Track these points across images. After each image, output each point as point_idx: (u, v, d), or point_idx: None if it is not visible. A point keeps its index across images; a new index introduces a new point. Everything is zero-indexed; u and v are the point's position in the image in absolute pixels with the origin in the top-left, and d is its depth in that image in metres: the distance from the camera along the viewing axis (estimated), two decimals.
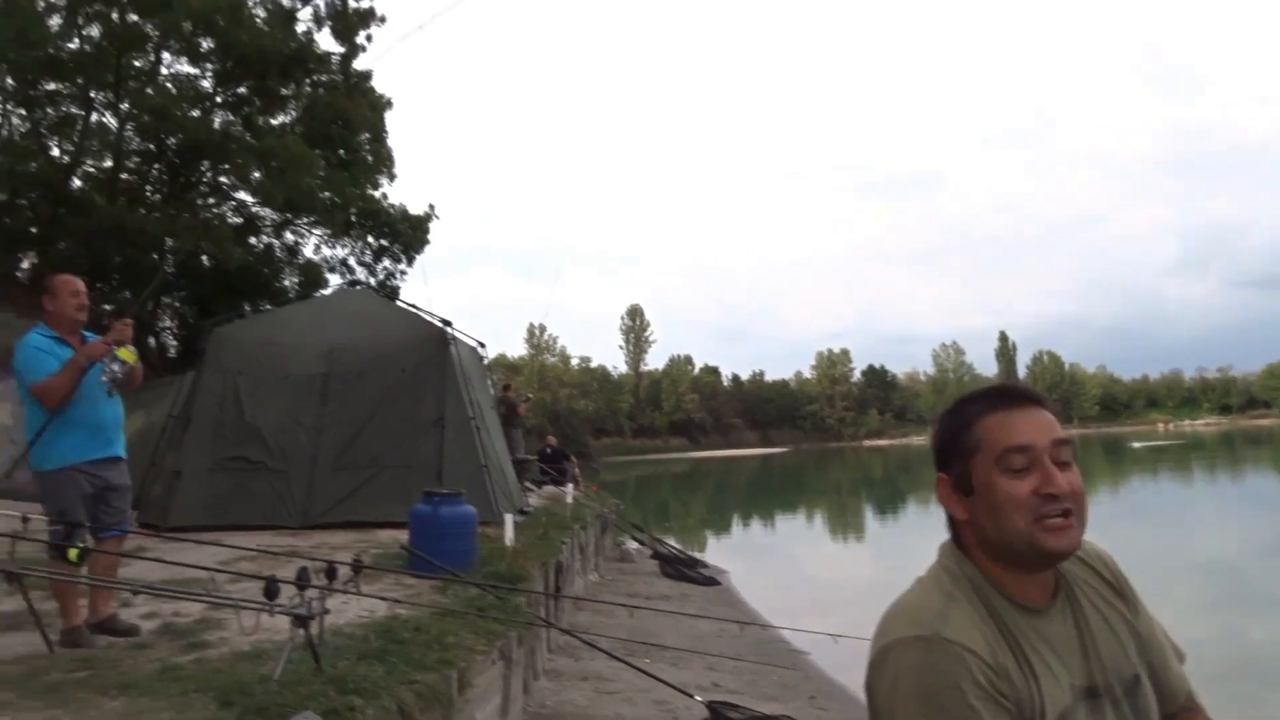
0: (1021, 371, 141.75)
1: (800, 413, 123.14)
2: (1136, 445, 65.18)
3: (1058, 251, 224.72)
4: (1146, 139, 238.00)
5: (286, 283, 21.45)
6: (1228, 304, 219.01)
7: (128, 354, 4.74)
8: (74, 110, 19.73)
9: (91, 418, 4.70)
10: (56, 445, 4.64)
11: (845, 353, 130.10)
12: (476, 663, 4.76)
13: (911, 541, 19.19)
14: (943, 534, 1.45)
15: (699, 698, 5.66)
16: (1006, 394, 1.40)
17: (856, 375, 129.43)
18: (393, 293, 20.54)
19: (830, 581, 15.44)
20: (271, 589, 3.78)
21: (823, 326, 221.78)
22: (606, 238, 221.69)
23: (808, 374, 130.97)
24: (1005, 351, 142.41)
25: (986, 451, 1.34)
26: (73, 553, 4.19)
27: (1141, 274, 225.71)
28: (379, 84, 22.48)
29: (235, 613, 4.18)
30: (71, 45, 18.95)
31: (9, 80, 18.02)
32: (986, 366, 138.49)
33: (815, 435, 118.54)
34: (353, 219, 21.70)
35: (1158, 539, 17.78)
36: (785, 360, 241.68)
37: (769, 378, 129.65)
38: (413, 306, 11.37)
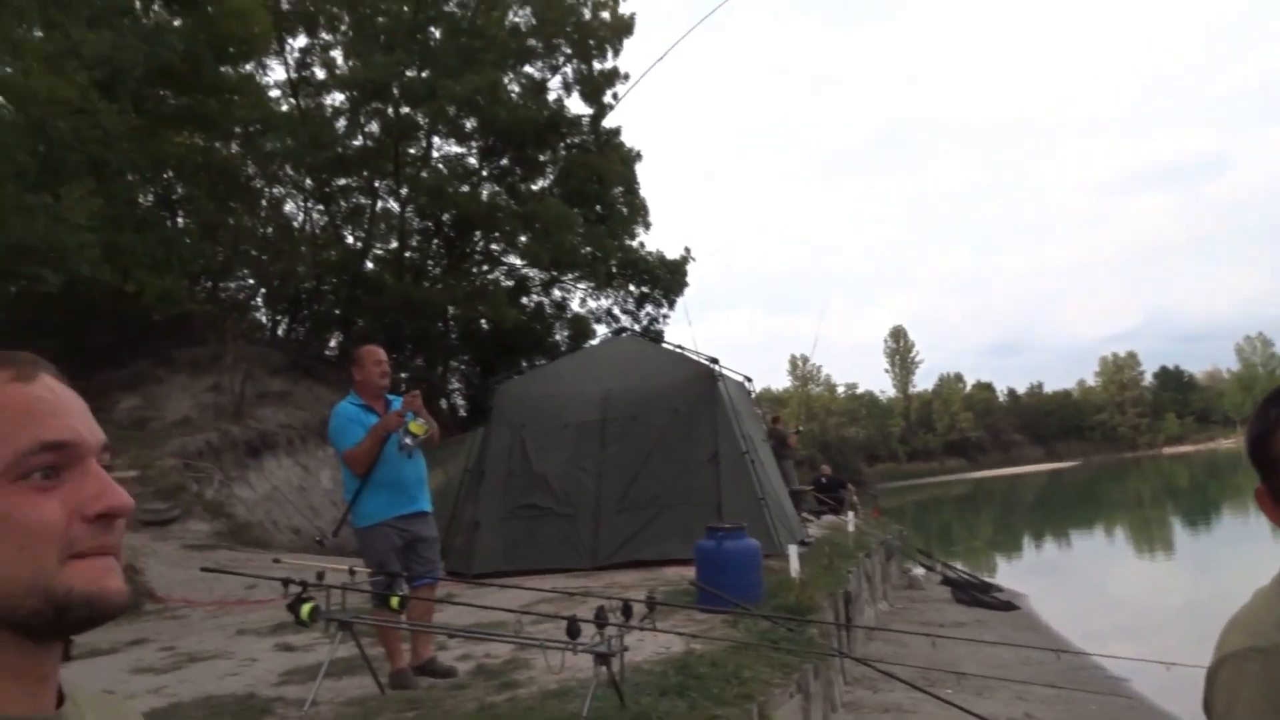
0: None
1: (1087, 423, 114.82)
2: None
3: None
4: None
5: (557, 336, 22.58)
6: None
7: (418, 427, 5.09)
8: (362, 200, 21.84)
9: (395, 478, 5.10)
10: (368, 504, 5.08)
11: (1132, 355, 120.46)
12: (775, 696, 4.75)
13: (1230, 554, 17.42)
14: (1269, 544, 1.31)
15: None
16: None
17: (1147, 379, 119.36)
18: (657, 336, 21.11)
19: (1142, 602, 14.22)
20: (574, 628, 3.96)
21: (1102, 331, 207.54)
22: (861, 263, 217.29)
23: (1091, 382, 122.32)
24: None
25: None
26: (394, 600, 4.56)
27: None
28: (627, 138, 23.38)
29: (542, 652, 4.40)
30: (355, 142, 21.04)
31: (308, 180, 20.15)
32: None
33: (1106, 446, 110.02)
34: (613, 270, 22.56)
35: None
36: (1064, 370, 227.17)
37: (1048, 389, 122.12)
38: (679, 347, 11.65)
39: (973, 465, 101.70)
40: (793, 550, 7.82)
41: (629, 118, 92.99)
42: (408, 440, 5.06)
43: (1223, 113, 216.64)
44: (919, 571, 15.66)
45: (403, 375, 19.93)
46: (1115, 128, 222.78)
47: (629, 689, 4.41)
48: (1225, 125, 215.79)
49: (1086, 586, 17.16)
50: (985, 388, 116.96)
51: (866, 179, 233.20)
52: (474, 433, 12.69)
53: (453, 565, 9.67)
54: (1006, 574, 18.52)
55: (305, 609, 4.23)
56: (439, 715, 4.24)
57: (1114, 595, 15.88)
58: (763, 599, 6.65)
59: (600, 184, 22.19)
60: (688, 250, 23.53)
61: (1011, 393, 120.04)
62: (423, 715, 4.27)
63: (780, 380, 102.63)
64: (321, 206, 21.82)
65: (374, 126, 21.46)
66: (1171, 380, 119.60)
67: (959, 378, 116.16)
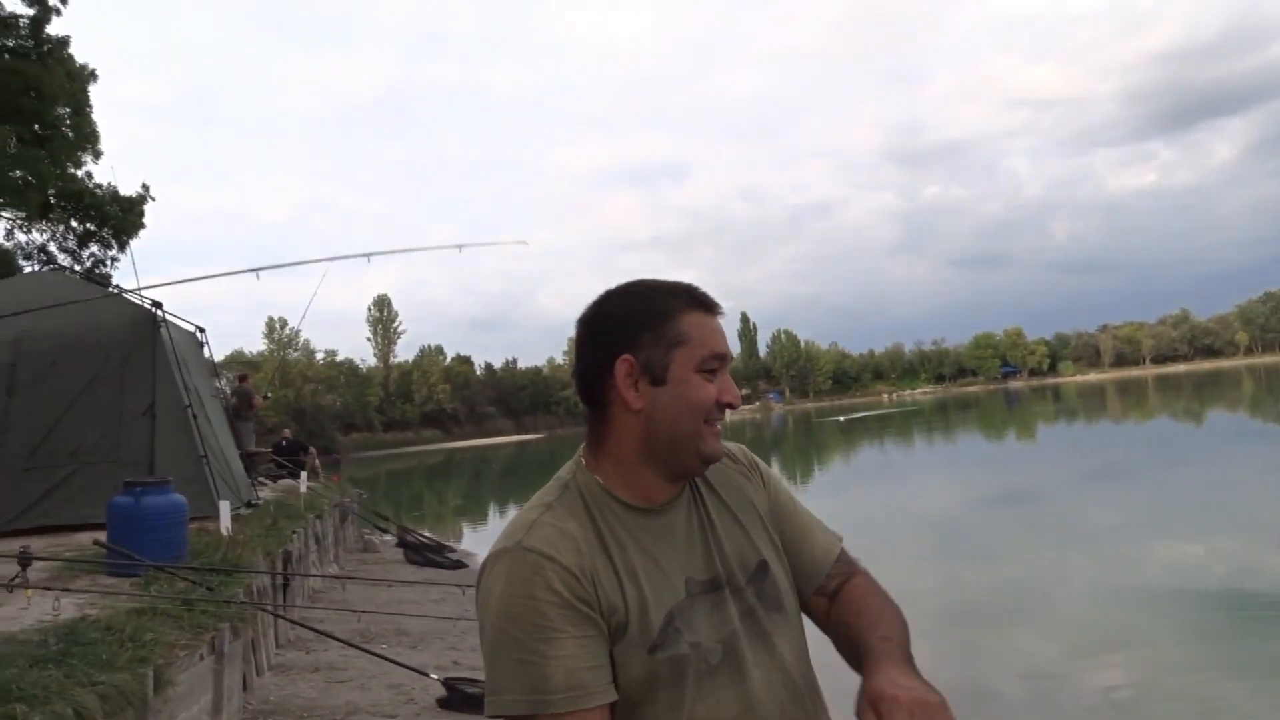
0: (762, 349, 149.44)
1: (554, 398, 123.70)
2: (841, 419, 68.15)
3: (798, 237, 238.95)
4: (871, 131, 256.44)
5: None
6: (940, 283, 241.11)
7: None
8: None
9: None
10: None
11: None
12: (179, 659, 4.34)
13: None
14: None
15: (435, 675, 5.44)
16: (707, 300, 1.38)
17: None
18: (103, 281, 18.79)
19: None
20: None
21: (574, 313, 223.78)
22: (359, 227, 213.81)
23: (560, 360, 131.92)
24: (747, 331, 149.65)
25: (693, 347, 1.32)
26: None
27: (868, 256, 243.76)
28: (80, 52, 20.45)
29: None
30: None
31: None
32: (729, 346, 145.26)
33: (569, 420, 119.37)
34: (52, 200, 19.65)
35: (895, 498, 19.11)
36: (539, 347, 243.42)
37: (522, 365, 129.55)
38: (117, 289, 10.38)
39: (448, 436, 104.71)
40: (224, 506, 7.33)
41: (85, 29, 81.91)
42: None
43: (686, 124, 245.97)
44: (377, 537, 15.62)
45: None
46: (603, 125, 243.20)
47: None
48: (688, 136, 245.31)
49: None
50: (464, 361, 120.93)
51: (372, 141, 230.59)
52: None
53: None
54: (470, 539, 19.22)
55: None
56: None
57: None
58: (186, 559, 6.10)
59: (40, 99, 19.17)
60: (146, 188, 21.26)
61: (488, 367, 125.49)
62: None
63: (257, 343, 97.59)
64: None
65: None
66: None
67: (440, 350, 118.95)
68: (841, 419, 67.64)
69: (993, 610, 9.83)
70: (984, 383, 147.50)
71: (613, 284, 1.41)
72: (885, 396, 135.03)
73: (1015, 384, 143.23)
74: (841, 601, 1.45)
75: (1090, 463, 24.55)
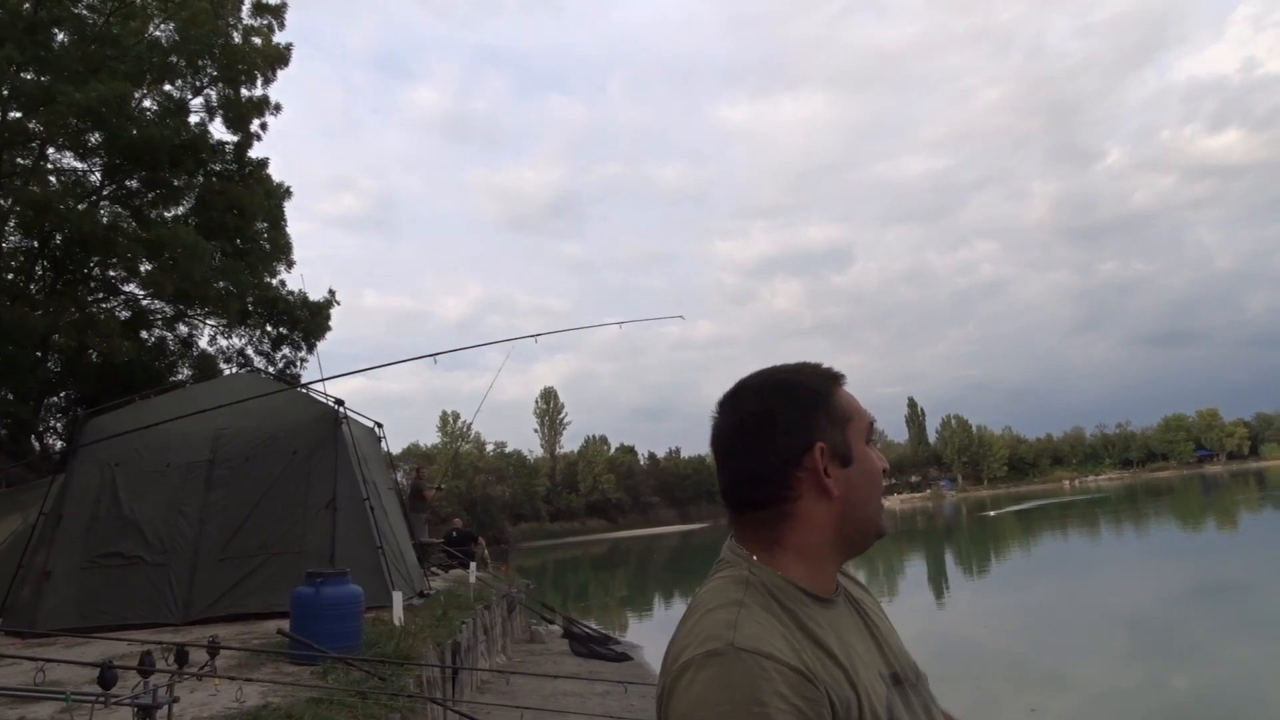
0: (931, 435, 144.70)
1: (718, 488, 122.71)
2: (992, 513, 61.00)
3: (965, 319, 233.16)
4: (1042, 209, 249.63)
5: (180, 375, 20.84)
6: (1122, 362, 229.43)
7: None
8: None
9: None
10: None
11: None
12: None
13: None
14: None
15: None
16: (838, 373, 1.37)
17: None
18: (293, 381, 20.07)
19: None
20: (108, 676, 3.51)
21: None
22: (526, 323, 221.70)
23: None
24: (915, 417, 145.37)
25: (857, 421, 1.31)
26: None
27: (1043, 337, 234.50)
28: (276, 171, 22.28)
29: (68, 708, 3.88)
30: None
31: None
32: (898, 433, 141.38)
33: None
34: (249, 307, 21.23)
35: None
36: (702, 437, 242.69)
37: (685, 454, 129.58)
38: (303, 387, 11.08)
39: (612, 525, 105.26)
40: (397, 597, 7.59)
41: (279, 150, 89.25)
42: None
43: (850, 210, 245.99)
44: (543, 627, 15.79)
45: None
46: (767, 215, 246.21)
47: None
48: (851, 222, 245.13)
49: None
50: (628, 451, 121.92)
51: (544, 241, 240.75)
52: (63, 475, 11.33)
53: (14, 622, 8.47)
54: (635, 629, 19.20)
55: None
56: None
57: None
58: (361, 649, 6.35)
59: (241, 216, 20.89)
60: (333, 292, 22.73)
61: (652, 456, 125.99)
62: None
63: (432, 436, 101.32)
64: None
65: None
66: None
67: (604, 440, 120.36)
68: (991, 512, 61.62)
69: (1198, 716, 9.10)
70: (1176, 467, 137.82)
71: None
72: (1067, 483, 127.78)
73: (1212, 468, 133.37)
74: None
75: None
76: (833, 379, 1.34)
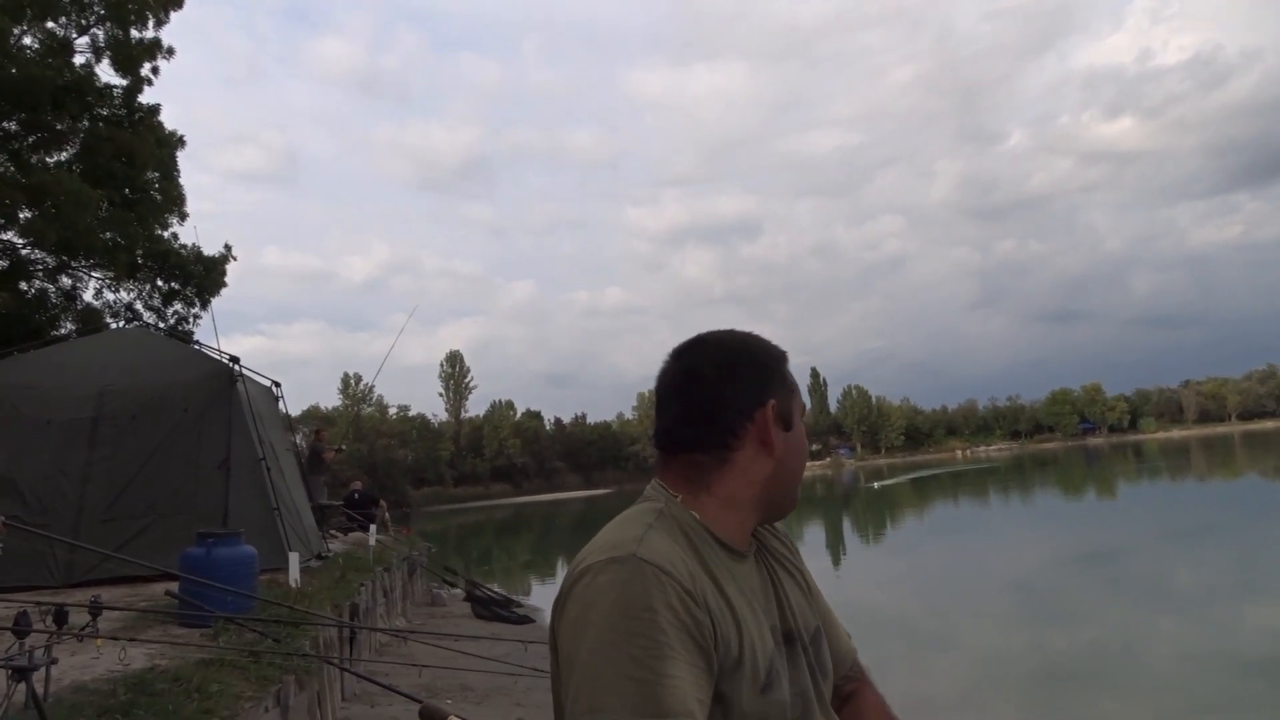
0: (832, 405, 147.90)
1: (623, 454, 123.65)
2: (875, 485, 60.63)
3: (869, 293, 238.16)
4: (945, 188, 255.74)
5: (64, 330, 19.86)
6: (1015, 338, 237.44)
7: None
8: None
9: None
10: None
11: None
12: (244, 711, 4.36)
13: None
14: None
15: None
16: (782, 349, 1.44)
17: None
18: (185, 338, 19.34)
19: None
20: None
21: (646, 369, 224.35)
22: (433, 285, 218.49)
23: (630, 416, 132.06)
24: (817, 387, 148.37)
25: (798, 397, 1.39)
26: None
27: (942, 312, 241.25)
28: (169, 119, 21.31)
29: None
30: None
31: None
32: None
33: (638, 475, 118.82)
34: (139, 260, 20.33)
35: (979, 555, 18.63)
36: (610, 404, 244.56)
37: (591, 420, 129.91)
38: (197, 344, 10.67)
39: (517, 491, 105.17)
40: (293, 558, 7.39)
41: (175, 98, 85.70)
42: None
43: (761, 182, 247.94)
44: (445, 591, 15.65)
45: None
46: (680, 185, 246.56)
47: (61, 711, 3.81)
48: (762, 194, 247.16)
49: None
50: (534, 416, 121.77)
51: (453, 203, 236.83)
52: None
53: None
54: (538, 593, 19.19)
55: None
56: None
57: None
58: (255, 611, 6.15)
59: (131, 164, 19.91)
60: (229, 248, 21.89)
61: (558, 422, 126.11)
62: None
63: (333, 399, 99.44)
64: None
65: None
66: None
67: (510, 405, 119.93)
68: (875, 484, 61.34)
69: (1076, 674, 9.47)
70: (1062, 440, 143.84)
71: (683, 339, 1.41)
72: (960, 453, 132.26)
73: (1094, 440, 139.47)
74: (856, 709, 1.48)
75: (1176, 522, 23.69)
76: (782, 354, 1.42)
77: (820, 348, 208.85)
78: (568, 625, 1.15)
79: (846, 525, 34.08)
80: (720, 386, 1.32)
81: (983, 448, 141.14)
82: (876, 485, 60.17)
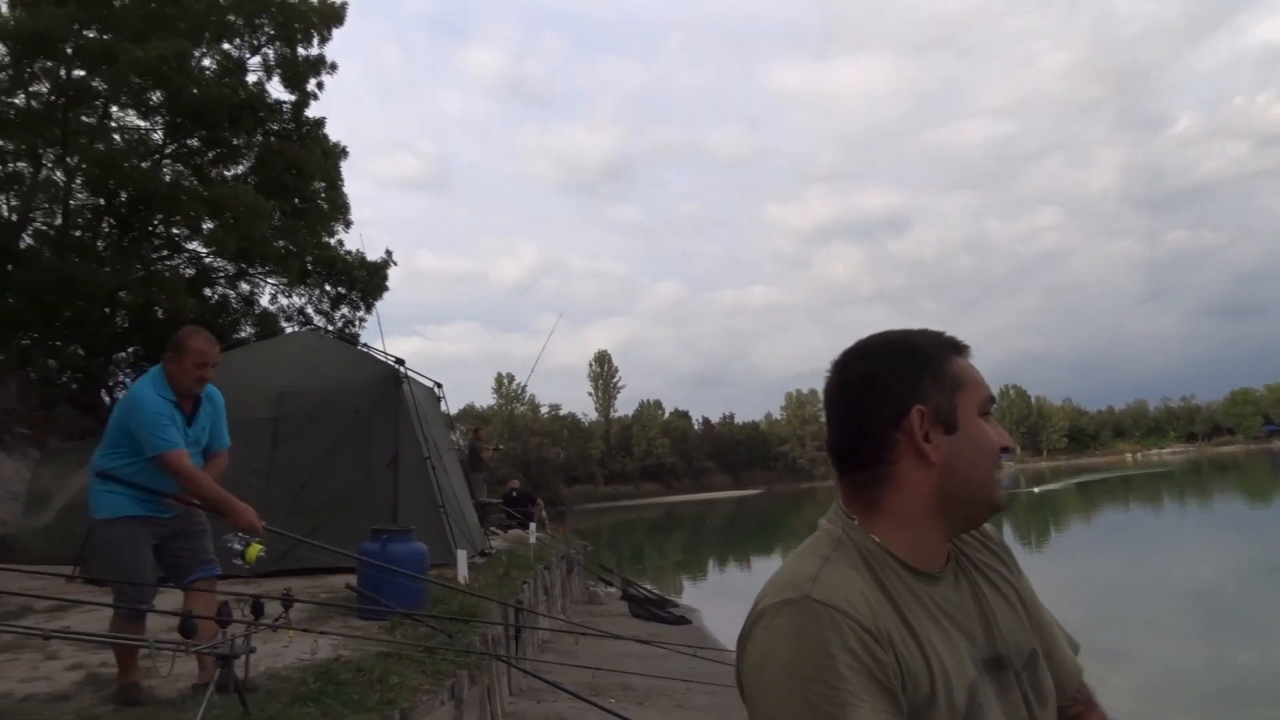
0: None
1: (771, 454, 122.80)
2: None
3: (1026, 289, 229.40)
4: (1107, 177, 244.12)
5: (244, 333, 21.06)
6: (1188, 334, 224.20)
7: (254, 549, 4.47)
8: (21, 166, 19.40)
9: (155, 486, 4.42)
10: (117, 498, 4.39)
11: (814, 392, 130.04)
12: (422, 703, 4.47)
13: None
14: None
15: None
16: (961, 343, 1.32)
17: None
18: (352, 340, 20.20)
19: None
20: (188, 626, 3.50)
21: (793, 369, 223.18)
22: (581, 287, 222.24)
23: (778, 415, 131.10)
24: None
25: (971, 391, 1.26)
26: None
27: (1106, 308, 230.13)
28: (333, 131, 22.35)
29: (151, 656, 3.89)
30: (17, 102, 18.70)
31: None
32: None
33: (787, 476, 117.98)
34: (309, 267, 21.37)
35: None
36: (756, 403, 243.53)
37: (739, 420, 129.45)
38: (365, 347, 11.11)
39: (667, 490, 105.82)
40: (461, 555, 7.58)
41: (337, 110, 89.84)
42: (237, 546, 4.38)
43: (908, 176, 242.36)
44: (602, 589, 15.83)
45: (50, 362, 17.85)
46: (825, 181, 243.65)
47: (259, 697, 3.99)
48: (909, 188, 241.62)
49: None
50: (682, 415, 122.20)
51: (593, 203, 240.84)
52: None
53: (91, 570, 8.65)
54: (689, 594, 19.20)
55: None
56: None
57: None
58: (426, 605, 6.34)
59: (299, 175, 20.98)
60: (389, 253, 22.79)
61: (706, 422, 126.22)
62: None
63: (487, 398, 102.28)
64: None
65: (42, 86, 19.19)
66: None
67: (658, 404, 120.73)
68: (1036, 489, 56.37)
69: (1268, 694, 8.84)
70: (1244, 442, 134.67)
71: (833, 338, 1.32)
72: (1130, 456, 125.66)
73: None
74: None
75: None
76: (951, 346, 1.30)
77: (973, 347, 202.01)
78: (749, 670, 1.15)
79: (1007, 531, 32.86)
80: (861, 399, 1.26)
81: (1155, 451, 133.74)
82: (1038, 490, 57.47)
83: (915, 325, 1.32)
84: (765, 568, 26.83)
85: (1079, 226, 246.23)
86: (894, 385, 1.24)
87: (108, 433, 4.47)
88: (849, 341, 1.32)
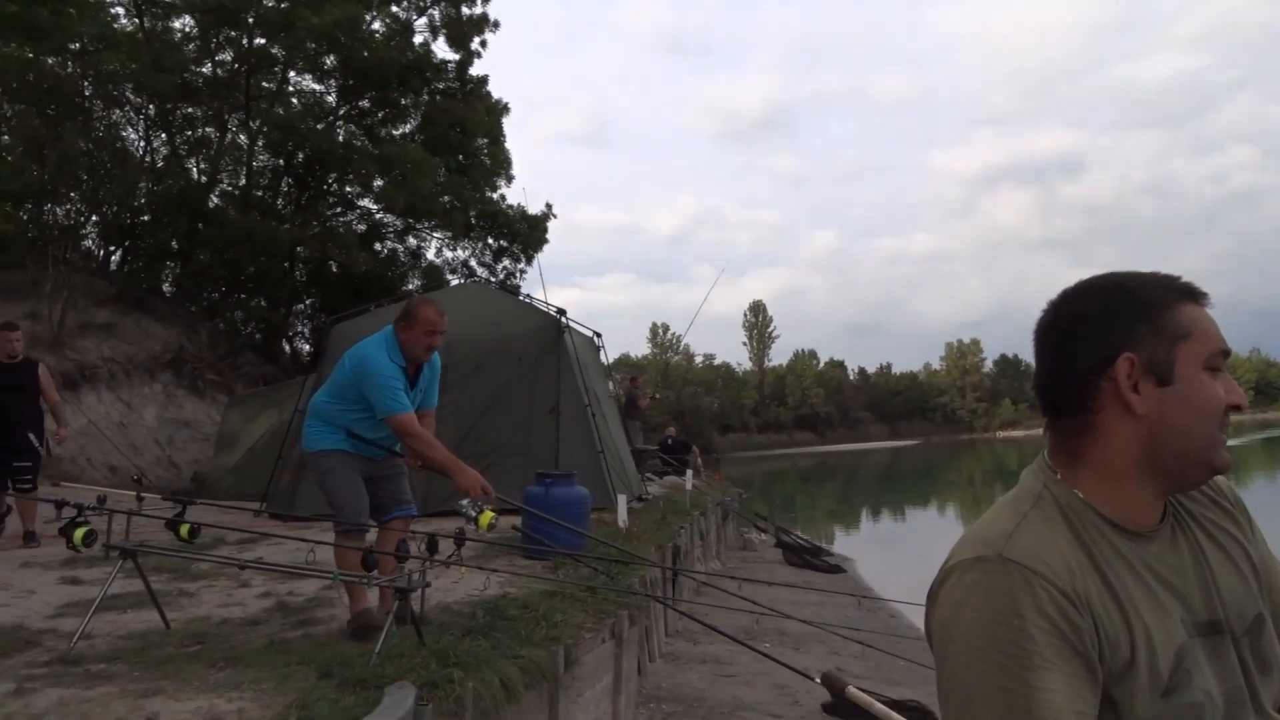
0: None
1: (930, 405, 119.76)
2: None
3: (1214, 233, 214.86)
4: None
5: (411, 286, 22.01)
6: None
7: (486, 516, 4.56)
8: (209, 131, 20.70)
9: (371, 438, 4.69)
10: (333, 437, 4.65)
11: (976, 343, 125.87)
12: (585, 640, 4.68)
13: None
14: None
15: (817, 678, 5.44)
16: (1197, 290, 1.22)
17: (988, 365, 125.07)
18: (514, 291, 20.82)
19: None
20: (369, 561, 3.78)
21: (955, 318, 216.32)
22: (736, 236, 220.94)
23: (937, 365, 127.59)
24: None
25: (1197, 342, 1.17)
26: (184, 529, 4.27)
27: None
28: (495, 88, 22.88)
29: (336, 588, 4.20)
30: (204, 70, 19.90)
31: (150, 106, 18.97)
32: None
33: (946, 428, 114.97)
34: (472, 221, 22.09)
35: None
36: (914, 353, 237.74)
37: (896, 370, 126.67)
38: (527, 297, 11.44)
39: (821, 440, 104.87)
40: (621, 500, 7.80)
41: (499, 68, 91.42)
42: (471, 513, 4.52)
43: (1085, 116, 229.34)
44: (755, 535, 15.96)
45: (237, 313, 19.07)
46: (992, 124, 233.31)
47: (433, 629, 4.26)
48: (1086, 129, 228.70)
49: (912, 555, 17.85)
50: (837, 365, 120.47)
51: (756, 154, 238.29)
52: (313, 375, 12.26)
53: (276, 506, 9.34)
54: (842, 543, 19.12)
55: (79, 534, 3.91)
56: (224, 650, 3.99)
57: (935, 563, 16.52)
58: (588, 547, 6.58)
59: (463, 133, 21.67)
60: (549, 206, 23.32)
61: (862, 371, 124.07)
62: (206, 650, 4.02)
63: (642, 347, 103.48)
64: (164, 135, 20.60)
65: (226, 55, 20.37)
66: (1010, 368, 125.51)
67: (813, 354, 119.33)
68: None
69: None
70: None
71: (995, 288, 1.25)
72: None
73: None
74: None
75: None
76: (1181, 292, 1.20)
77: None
78: (938, 625, 1.14)
79: None
80: (1067, 343, 1.21)
81: None
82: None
83: (1087, 273, 1.25)
84: (920, 519, 26.41)
85: (1276, 165, 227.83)
86: (1103, 330, 1.19)
87: (334, 382, 4.70)
88: (1013, 289, 1.24)
